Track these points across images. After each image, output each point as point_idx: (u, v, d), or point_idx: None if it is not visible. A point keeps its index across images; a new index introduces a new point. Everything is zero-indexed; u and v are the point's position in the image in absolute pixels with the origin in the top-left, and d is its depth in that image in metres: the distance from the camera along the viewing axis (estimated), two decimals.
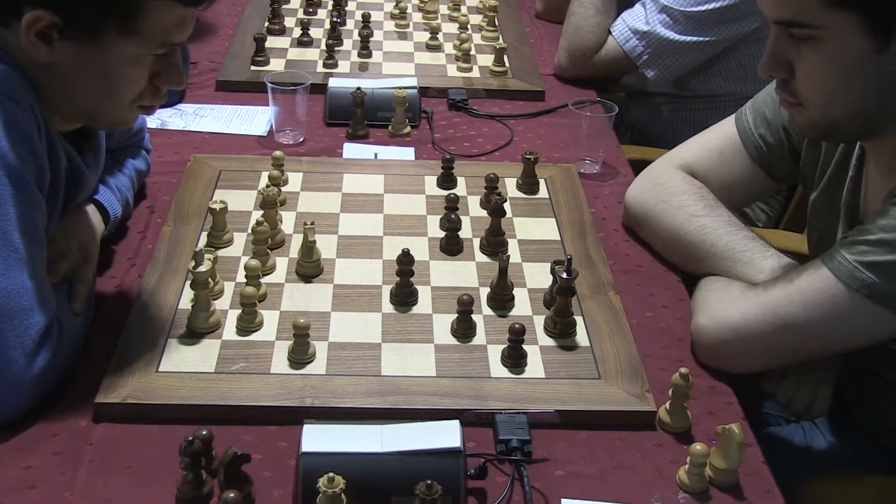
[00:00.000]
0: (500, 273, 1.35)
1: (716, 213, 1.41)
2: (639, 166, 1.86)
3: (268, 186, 1.47)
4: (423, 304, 1.35)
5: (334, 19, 2.22)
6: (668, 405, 1.18)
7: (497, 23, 2.31)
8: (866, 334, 1.20)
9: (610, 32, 2.10)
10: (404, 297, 1.34)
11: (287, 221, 1.51)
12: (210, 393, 1.16)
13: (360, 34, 2.15)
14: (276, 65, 2.07)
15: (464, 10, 2.41)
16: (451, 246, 1.47)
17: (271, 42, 2.15)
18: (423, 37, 2.24)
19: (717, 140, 1.50)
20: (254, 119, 1.87)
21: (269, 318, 1.29)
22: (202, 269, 1.25)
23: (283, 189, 1.57)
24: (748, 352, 1.25)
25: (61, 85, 1.16)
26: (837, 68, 1.13)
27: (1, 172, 1.07)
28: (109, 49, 1.12)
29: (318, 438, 1.05)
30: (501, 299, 1.35)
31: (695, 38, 2.04)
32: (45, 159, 1.15)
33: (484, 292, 1.37)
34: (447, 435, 1.06)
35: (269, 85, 1.75)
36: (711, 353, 1.27)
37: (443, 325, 1.30)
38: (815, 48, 1.12)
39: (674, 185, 1.47)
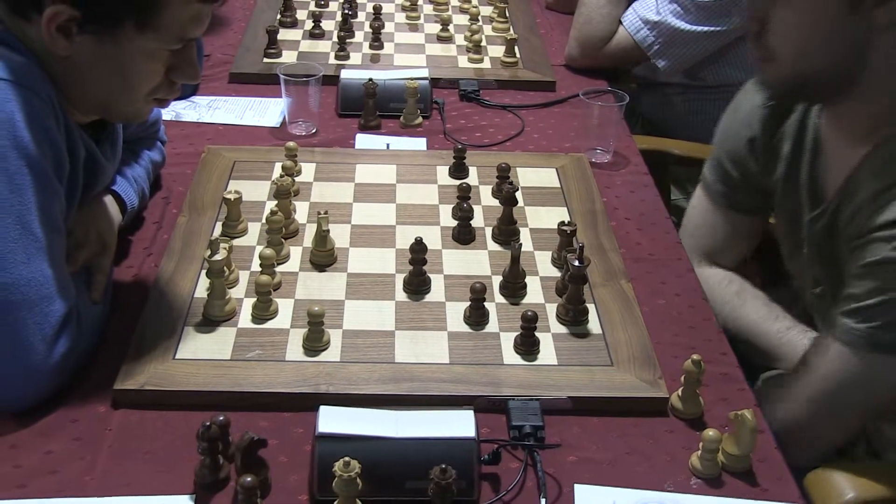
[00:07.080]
0: (513, 261, 1.36)
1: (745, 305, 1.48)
2: (650, 157, 1.87)
3: (281, 177, 1.49)
4: (436, 292, 1.36)
5: (346, 11, 2.23)
6: (680, 392, 1.19)
7: (508, 14, 2.32)
8: None
9: (621, 22, 2.11)
10: (417, 285, 1.35)
11: (301, 211, 1.52)
12: (226, 380, 1.18)
13: (371, 26, 2.16)
14: (289, 57, 2.08)
15: (474, 1, 2.42)
16: (464, 235, 1.48)
17: (283, 34, 2.16)
18: (435, 28, 2.25)
19: (700, 216, 1.60)
20: (267, 111, 1.89)
21: (284, 307, 1.31)
22: (218, 257, 1.26)
23: (296, 179, 1.58)
24: (812, 439, 1.30)
25: (78, 78, 1.17)
26: (808, 22, 1.17)
27: (21, 163, 1.09)
28: (127, 44, 1.14)
29: (334, 421, 1.06)
30: (514, 287, 1.36)
31: (705, 28, 2.04)
32: (64, 150, 1.16)
33: (496, 280, 1.38)
34: (461, 423, 1.07)
35: (281, 77, 1.76)
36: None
37: (456, 313, 1.31)
38: (787, 2, 1.17)
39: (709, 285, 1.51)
